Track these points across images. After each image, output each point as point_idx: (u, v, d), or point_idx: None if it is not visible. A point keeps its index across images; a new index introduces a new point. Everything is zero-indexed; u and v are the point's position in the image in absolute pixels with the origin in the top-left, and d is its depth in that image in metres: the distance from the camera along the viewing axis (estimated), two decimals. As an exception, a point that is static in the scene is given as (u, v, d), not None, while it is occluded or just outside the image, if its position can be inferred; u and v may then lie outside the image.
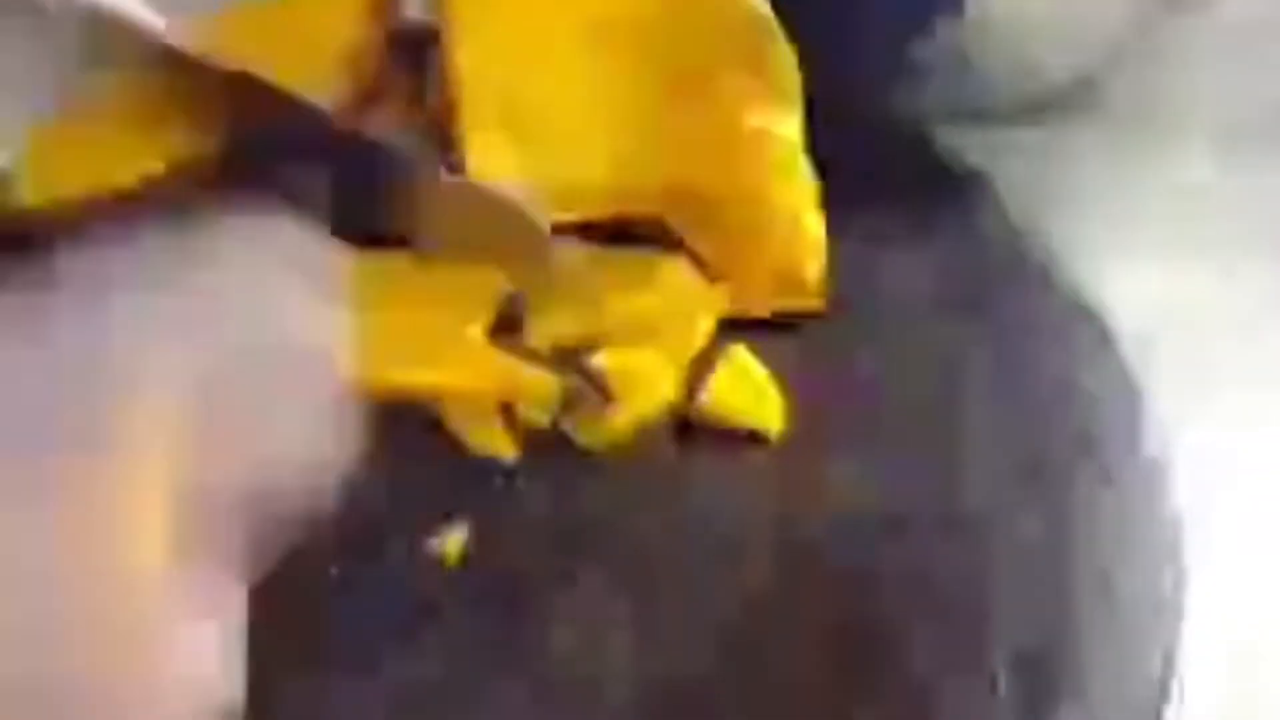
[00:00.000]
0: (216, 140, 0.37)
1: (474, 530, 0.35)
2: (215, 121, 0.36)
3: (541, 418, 0.37)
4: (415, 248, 0.39)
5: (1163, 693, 0.32)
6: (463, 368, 0.37)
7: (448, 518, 0.35)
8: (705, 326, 0.39)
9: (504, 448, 0.36)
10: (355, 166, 0.36)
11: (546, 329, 0.38)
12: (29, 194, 0.39)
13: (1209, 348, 0.42)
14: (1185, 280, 0.44)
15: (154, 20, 0.33)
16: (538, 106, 0.37)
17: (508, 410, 0.37)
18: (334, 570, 0.34)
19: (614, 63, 0.37)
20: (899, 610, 0.33)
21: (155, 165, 0.37)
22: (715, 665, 0.33)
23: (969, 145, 0.44)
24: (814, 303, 0.39)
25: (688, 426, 0.37)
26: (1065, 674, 0.32)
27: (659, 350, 0.38)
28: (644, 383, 0.37)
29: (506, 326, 0.38)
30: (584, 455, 0.37)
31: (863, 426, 0.37)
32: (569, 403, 0.37)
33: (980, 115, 0.47)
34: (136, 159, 0.38)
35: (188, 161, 0.37)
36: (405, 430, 0.37)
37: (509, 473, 0.36)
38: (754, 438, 0.37)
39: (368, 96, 0.40)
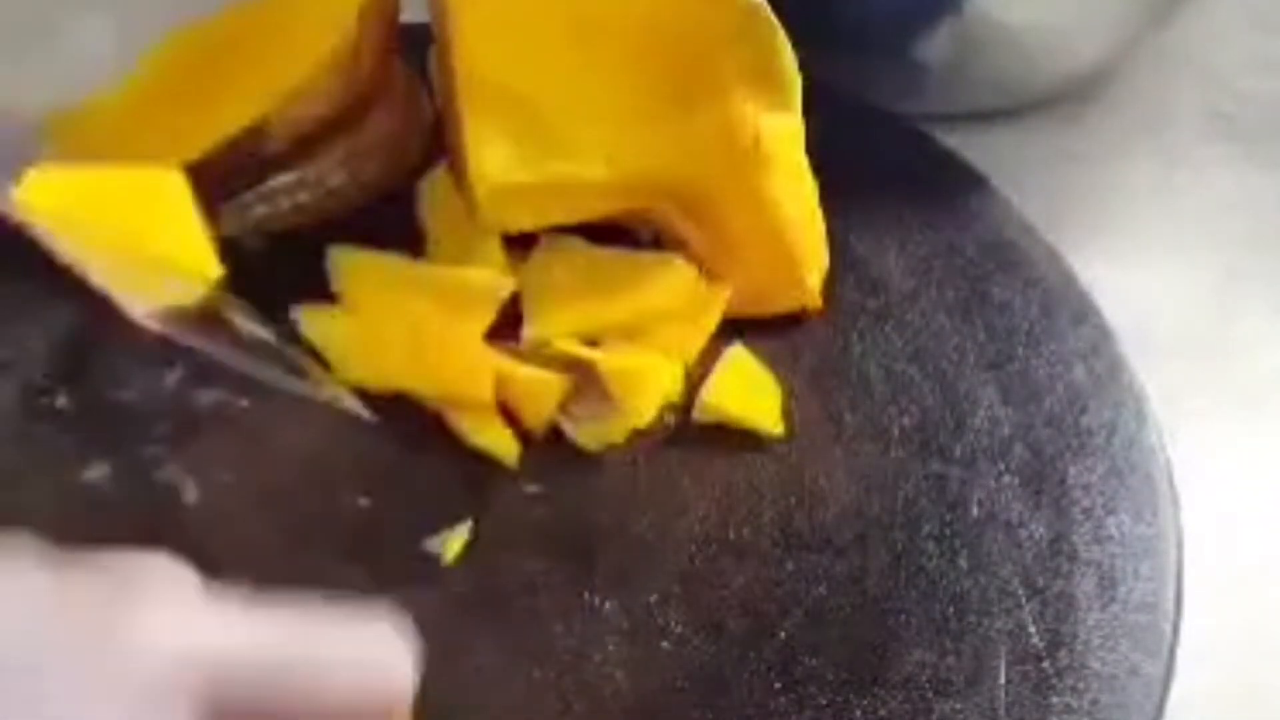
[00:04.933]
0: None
1: (474, 530, 0.35)
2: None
3: (541, 418, 0.37)
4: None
5: (1163, 692, 0.32)
6: (463, 368, 0.37)
7: (448, 518, 0.35)
8: (705, 326, 0.39)
9: (504, 448, 0.36)
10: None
11: (546, 329, 0.38)
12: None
13: (1210, 346, 0.42)
14: (1186, 279, 0.44)
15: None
16: (537, 106, 0.37)
17: (508, 410, 0.37)
18: (335, 570, 0.34)
19: (614, 63, 0.37)
20: (899, 610, 0.33)
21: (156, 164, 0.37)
22: (715, 665, 0.33)
23: (969, 145, 0.44)
24: (814, 303, 0.39)
25: (688, 426, 0.37)
26: (1065, 674, 0.32)
27: (659, 350, 0.38)
28: (644, 383, 0.37)
29: (506, 326, 0.38)
30: (584, 455, 0.37)
31: (863, 426, 0.37)
32: (569, 403, 0.37)
33: (980, 115, 0.47)
34: (135, 159, 0.38)
35: (182, 163, 0.37)
36: (406, 430, 0.37)
37: (509, 473, 0.36)
38: (754, 438, 0.37)
39: (368, 96, 0.40)
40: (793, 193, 0.38)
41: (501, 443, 0.36)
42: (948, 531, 0.35)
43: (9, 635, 0.21)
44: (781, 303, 0.39)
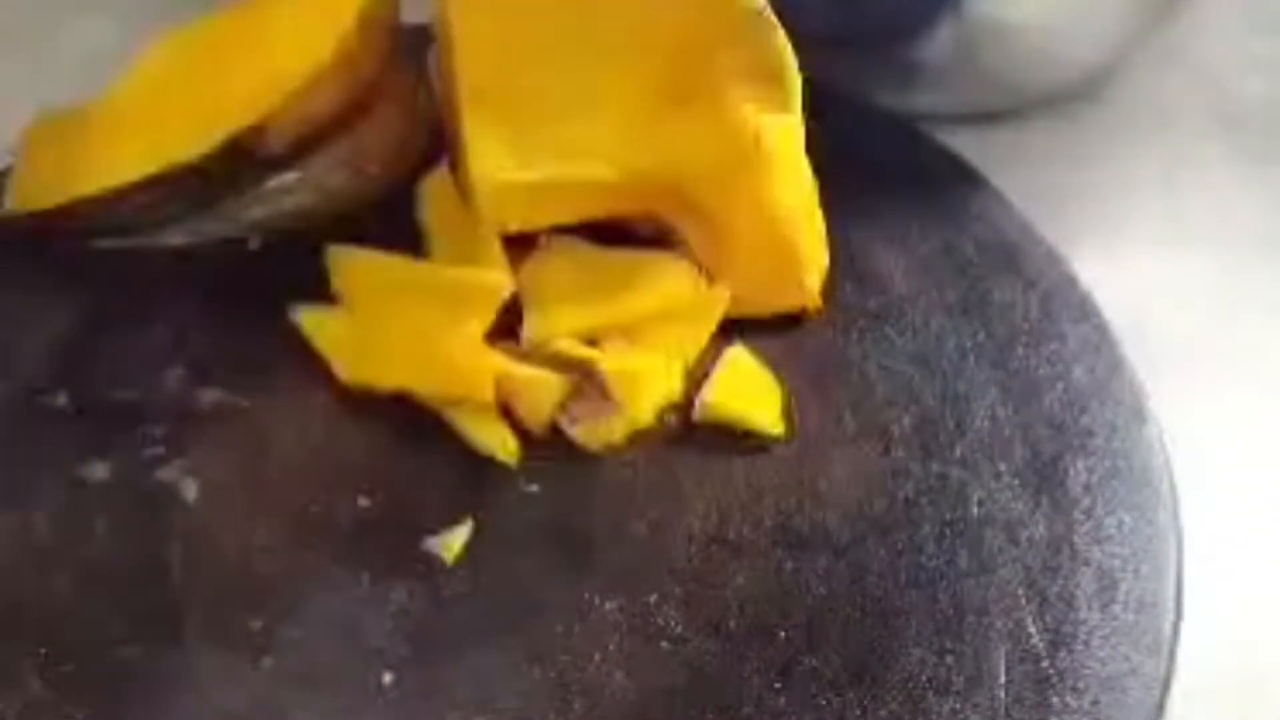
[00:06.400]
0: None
1: (474, 530, 0.35)
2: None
3: (541, 418, 0.37)
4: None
5: (1163, 692, 0.32)
6: (463, 368, 0.37)
7: (448, 518, 0.35)
8: (705, 326, 0.39)
9: (504, 448, 0.36)
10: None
11: (546, 329, 0.38)
12: (28, 195, 0.39)
13: (1210, 345, 0.42)
14: (1186, 278, 0.44)
15: None
16: (537, 106, 0.37)
17: (508, 410, 0.37)
18: (335, 570, 0.34)
19: (614, 63, 0.37)
20: (899, 610, 0.33)
21: (152, 165, 0.37)
22: (715, 665, 0.33)
23: (969, 145, 0.44)
24: (814, 303, 0.39)
25: (688, 426, 0.37)
26: (1065, 674, 0.32)
27: (659, 350, 0.38)
28: (644, 383, 0.37)
29: (506, 326, 0.38)
30: (584, 455, 0.37)
31: (863, 426, 0.37)
32: (569, 403, 0.37)
33: (980, 115, 0.47)
34: (135, 159, 0.38)
35: (183, 163, 0.37)
36: (406, 430, 0.37)
37: (509, 473, 0.36)
38: (754, 438, 0.37)
39: (368, 96, 0.40)
40: (793, 193, 0.38)
41: (501, 443, 0.36)
42: (948, 531, 0.35)
43: None
44: (781, 303, 0.39)
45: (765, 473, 0.36)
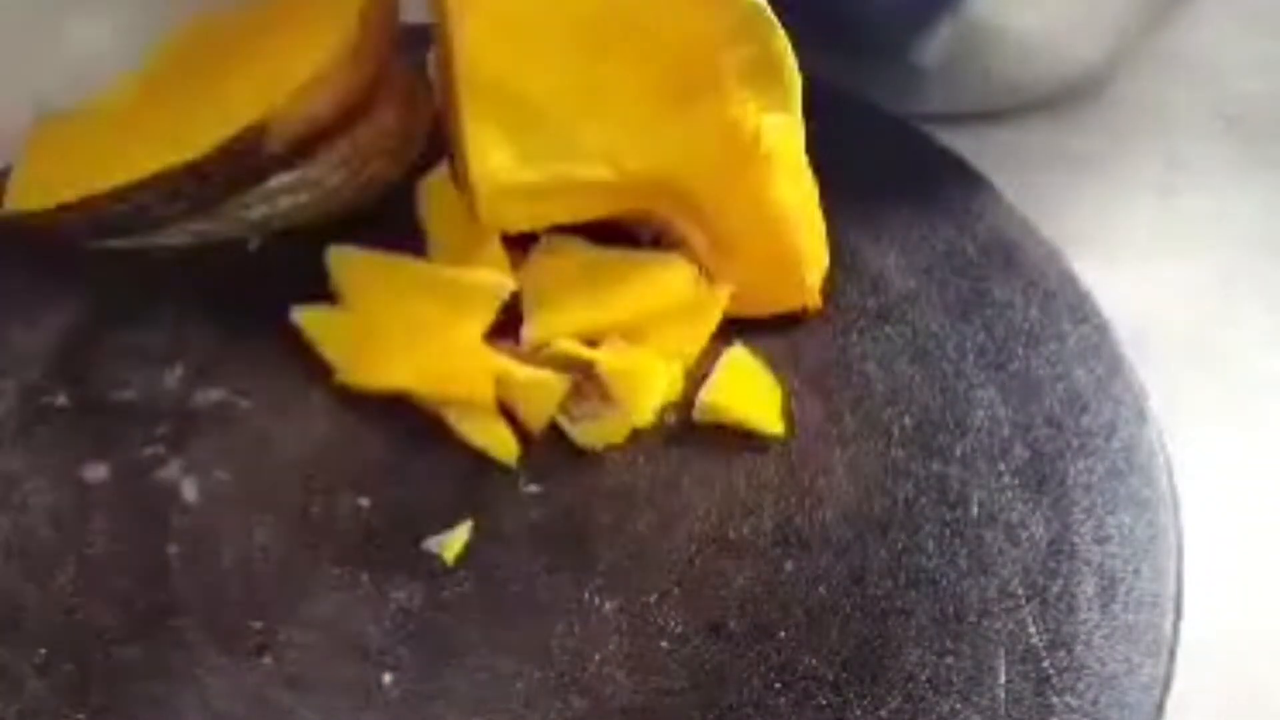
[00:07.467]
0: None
1: (474, 530, 0.35)
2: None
3: (541, 418, 0.37)
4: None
5: (1163, 692, 0.32)
6: (463, 368, 0.37)
7: (448, 518, 0.35)
8: (705, 326, 0.39)
9: (504, 448, 0.36)
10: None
11: (546, 329, 0.38)
12: (28, 195, 0.39)
13: (1210, 346, 0.42)
14: (1186, 278, 0.44)
15: None
16: (538, 106, 0.37)
17: (508, 410, 0.37)
18: (335, 570, 0.34)
19: (615, 63, 0.37)
20: (899, 610, 0.33)
21: (152, 166, 0.37)
22: (715, 665, 0.33)
23: (969, 145, 0.44)
24: (814, 303, 0.39)
25: (688, 426, 0.37)
26: (1065, 674, 0.32)
27: (659, 350, 0.38)
28: (644, 383, 0.37)
29: (506, 326, 0.38)
30: (584, 455, 0.37)
31: (863, 426, 0.37)
32: (569, 403, 0.37)
33: (980, 115, 0.47)
34: (135, 159, 0.38)
35: (183, 163, 0.37)
36: (405, 430, 0.37)
37: (509, 473, 0.36)
38: (754, 438, 0.37)
39: (368, 96, 0.40)
40: (793, 193, 0.38)
41: (501, 443, 0.36)
42: (948, 531, 0.35)
43: None
44: (781, 303, 0.39)
45: (765, 473, 0.36)
